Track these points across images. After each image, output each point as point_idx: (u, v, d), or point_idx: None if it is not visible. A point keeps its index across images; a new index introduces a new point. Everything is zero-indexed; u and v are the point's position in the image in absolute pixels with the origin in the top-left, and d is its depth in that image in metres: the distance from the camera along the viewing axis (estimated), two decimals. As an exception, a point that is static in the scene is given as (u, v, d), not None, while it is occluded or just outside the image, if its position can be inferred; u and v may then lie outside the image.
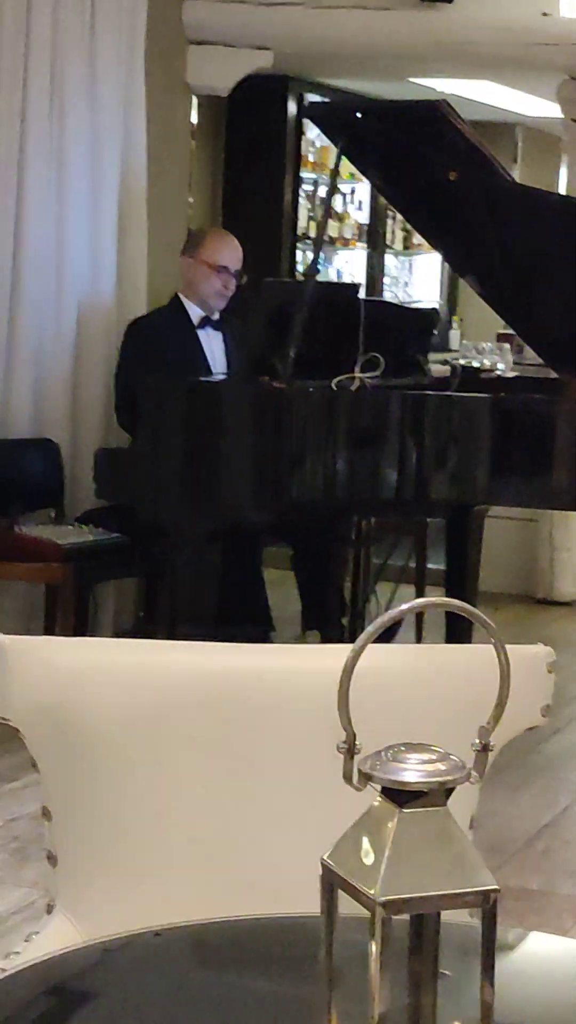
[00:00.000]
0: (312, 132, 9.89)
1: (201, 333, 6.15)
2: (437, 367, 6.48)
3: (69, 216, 6.35)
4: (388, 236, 10.78)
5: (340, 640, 6.12)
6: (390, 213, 10.85)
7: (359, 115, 5.35)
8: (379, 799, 1.56)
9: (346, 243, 10.35)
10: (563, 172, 12.64)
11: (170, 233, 7.14)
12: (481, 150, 5.28)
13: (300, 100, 9.45)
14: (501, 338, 8.96)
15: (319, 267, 10.25)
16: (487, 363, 6.39)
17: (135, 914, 2.08)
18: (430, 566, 7.00)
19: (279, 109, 9.30)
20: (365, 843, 1.55)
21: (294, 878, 2.28)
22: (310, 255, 10.20)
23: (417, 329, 6.29)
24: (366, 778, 1.55)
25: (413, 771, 1.54)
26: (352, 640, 5.55)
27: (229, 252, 6.16)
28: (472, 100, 9.33)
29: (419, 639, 6.76)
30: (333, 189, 5.77)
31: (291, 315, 5.47)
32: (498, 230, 5.76)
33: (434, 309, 6.50)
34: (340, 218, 10.34)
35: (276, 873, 2.35)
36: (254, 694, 2.49)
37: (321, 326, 5.55)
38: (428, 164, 5.39)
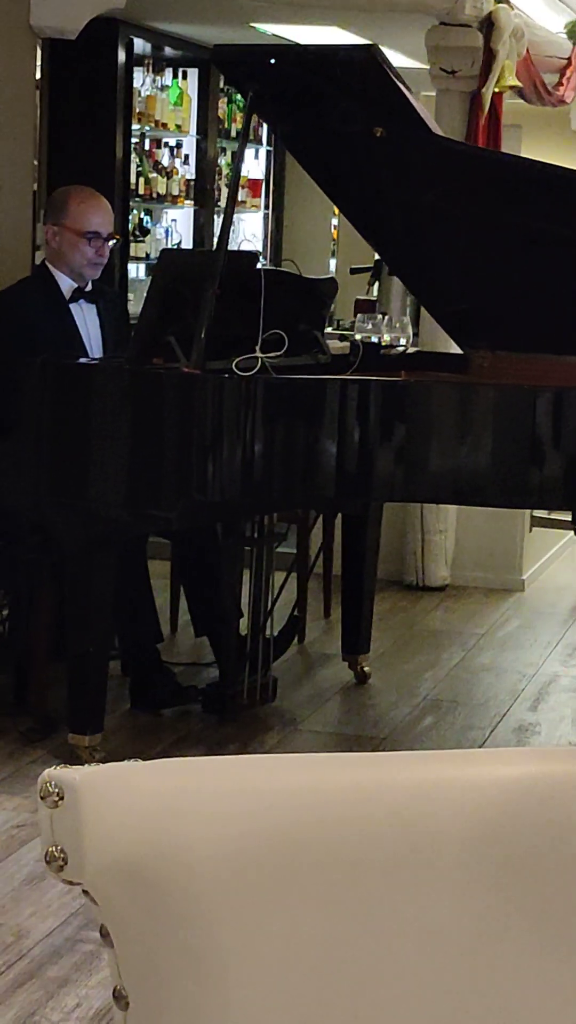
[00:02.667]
0: (139, 80, 9.15)
1: (74, 307, 5.40)
2: (333, 343, 5.87)
3: None
4: (215, 193, 10.10)
5: (239, 651, 5.48)
6: (217, 169, 10.18)
7: (273, 61, 4.67)
8: None
9: (174, 200, 9.66)
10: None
11: (16, 196, 6.43)
12: (413, 104, 4.65)
13: (130, 46, 8.72)
14: (359, 305, 8.37)
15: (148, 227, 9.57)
16: (387, 338, 5.79)
17: None
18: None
19: (108, 56, 8.56)
20: None
21: None
22: (138, 213, 9.51)
23: (312, 301, 5.65)
24: None
25: None
26: (252, 653, 4.81)
27: (98, 215, 5.42)
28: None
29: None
30: (244, 144, 5.07)
31: (195, 289, 4.81)
32: (413, 191, 5.15)
33: (332, 279, 5.85)
34: (168, 174, 9.63)
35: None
36: (400, 824, 1.87)
37: (221, 300, 4.89)
38: (350, 118, 4.74)
